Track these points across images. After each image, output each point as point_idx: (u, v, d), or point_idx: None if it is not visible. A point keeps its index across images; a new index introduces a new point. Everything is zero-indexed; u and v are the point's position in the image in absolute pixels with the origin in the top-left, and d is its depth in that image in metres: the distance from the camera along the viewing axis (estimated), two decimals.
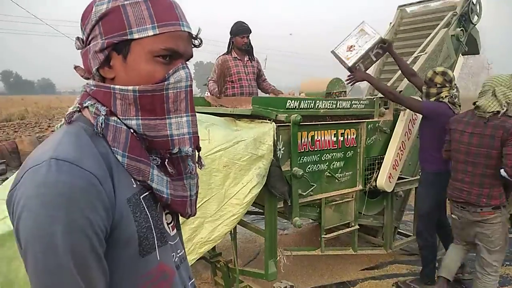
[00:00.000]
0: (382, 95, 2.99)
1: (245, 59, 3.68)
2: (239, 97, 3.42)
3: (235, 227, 2.89)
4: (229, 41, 3.67)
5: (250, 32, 3.62)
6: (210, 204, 2.00)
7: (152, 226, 0.70)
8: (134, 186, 0.69)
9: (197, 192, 0.83)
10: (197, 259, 3.07)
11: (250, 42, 3.65)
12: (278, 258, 2.48)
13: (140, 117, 0.69)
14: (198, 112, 2.66)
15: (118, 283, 0.66)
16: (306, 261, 3.37)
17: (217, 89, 3.31)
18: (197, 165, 0.83)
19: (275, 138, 2.27)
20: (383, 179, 2.93)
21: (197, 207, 1.89)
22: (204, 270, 3.25)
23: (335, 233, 2.86)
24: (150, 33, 0.67)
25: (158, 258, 0.71)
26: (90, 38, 0.70)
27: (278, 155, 2.33)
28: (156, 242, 0.71)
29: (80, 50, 0.73)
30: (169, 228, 0.78)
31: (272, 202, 2.40)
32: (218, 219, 2.00)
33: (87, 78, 0.74)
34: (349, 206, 2.94)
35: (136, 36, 0.67)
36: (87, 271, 0.59)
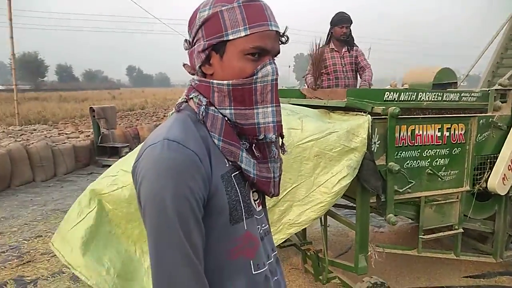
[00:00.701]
0: (498, 87, 2.66)
1: (343, 50, 3.61)
2: (334, 89, 3.39)
3: (326, 218, 2.93)
4: (328, 31, 3.65)
5: (351, 22, 3.53)
6: (299, 189, 2.08)
7: (241, 200, 0.81)
8: (227, 165, 0.81)
9: (280, 174, 0.92)
10: (288, 245, 3.21)
11: (350, 33, 3.56)
12: (369, 253, 2.44)
13: (233, 107, 0.81)
14: (293, 104, 2.76)
15: (213, 244, 0.79)
16: (401, 261, 3.21)
17: (312, 81, 3.33)
18: (280, 150, 0.91)
19: (370, 131, 2.22)
20: (496, 181, 2.62)
21: (287, 191, 1.98)
22: (294, 256, 3.35)
23: (435, 235, 2.67)
24: (242, 34, 0.77)
25: (245, 228, 0.83)
26: (195, 40, 0.82)
27: (372, 149, 2.27)
28: (244, 214, 0.82)
29: (187, 50, 0.86)
30: (255, 204, 0.89)
31: (364, 196, 2.36)
32: (306, 204, 2.07)
33: (192, 74, 0.88)
34: (453, 207, 2.70)
35: (230, 37, 0.77)
36: (188, 229, 0.73)
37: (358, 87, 3.64)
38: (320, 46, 3.71)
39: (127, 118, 12.83)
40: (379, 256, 2.48)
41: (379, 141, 2.33)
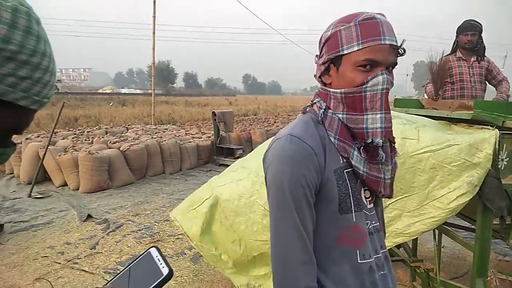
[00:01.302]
0: None
1: (472, 59, 3.34)
2: (456, 100, 3.17)
3: (441, 236, 2.76)
4: (454, 40, 3.42)
5: (478, 30, 3.25)
6: (411, 200, 2.03)
7: (351, 194, 0.94)
8: (341, 162, 0.95)
9: (392, 178, 1.00)
10: (396, 260, 3.10)
11: (478, 41, 3.28)
12: (488, 278, 2.24)
13: (345, 112, 0.95)
14: (411, 114, 2.68)
15: (323, 228, 0.94)
16: None
17: (433, 91, 3.17)
18: (390, 155, 0.98)
19: (497, 147, 2.05)
20: None
21: (396, 199, 1.98)
22: (402, 272, 3.23)
23: None
24: (355, 48, 0.89)
25: (354, 220, 0.94)
26: (321, 55, 0.98)
27: (498, 166, 2.09)
28: (353, 207, 0.94)
29: (316, 64, 1.03)
30: (366, 201, 0.99)
31: (486, 217, 2.17)
32: (417, 216, 2.01)
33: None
34: None
35: (345, 51, 0.91)
36: (301, 210, 0.89)
37: (494, 99, 3.32)
38: (445, 54, 3.50)
39: (241, 123, 13.75)
40: (501, 284, 2.25)
41: (507, 158, 2.14)
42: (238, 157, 7.49)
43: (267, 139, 7.73)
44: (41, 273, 3.35)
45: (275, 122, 13.51)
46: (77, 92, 40.94)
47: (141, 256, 0.56)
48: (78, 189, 6.05)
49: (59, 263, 3.54)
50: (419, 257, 3.08)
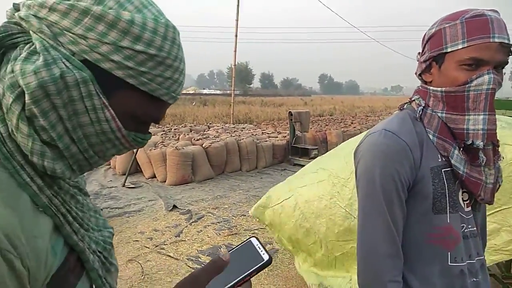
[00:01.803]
0: None
1: None
2: None
3: None
4: None
5: None
6: (510, 213, 1.86)
7: (447, 195, 0.91)
8: (439, 160, 0.93)
9: (495, 182, 0.94)
10: (489, 273, 2.84)
11: None
12: None
13: (444, 111, 0.92)
14: (510, 116, 2.44)
15: (414, 224, 0.93)
16: None
17: None
18: (493, 158, 0.93)
19: None
20: None
21: (494, 211, 1.85)
22: None
23: None
24: (460, 46, 0.86)
25: (448, 221, 0.92)
26: (423, 53, 0.97)
27: None
28: (448, 208, 0.91)
29: (417, 61, 1.02)
30: (463, 203, 0.95)
31: None
32: None
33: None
34: None
35: (449, 49, 0.89)
36: (390, 204, 0.90)
37: None
38: None
39: (317, 123, 13.62)
40: None
41: None
42: (312, 158, 7.47)
43: (343, 140, 7.55)
44: (132, 256, 3.74)
45: (352, 123, 13.13)
46: None
47: (242, 244, 0.62)
48: (165, 181, 6.59)
49: (148, 248, 3.92)
50: None
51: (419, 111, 0.95)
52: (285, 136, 9.06)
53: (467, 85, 0.86)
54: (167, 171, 6.59)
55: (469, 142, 0.89)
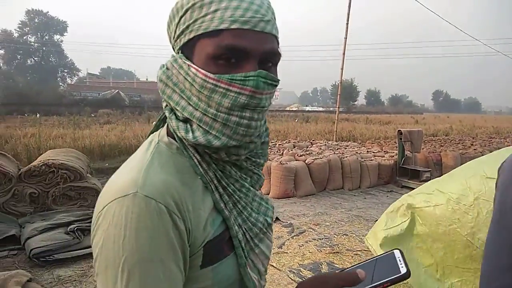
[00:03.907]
0: None
1: None
2: None
3: None
4: None
5: None
6: None
7: None
8: None
9: None
10: None
11: None
12: None
13: None
14: None
15: None
16: None
17: None
18: None
19: None
20: None
21: None
22: None
23: None
24: None
25: None
26: None
27: None
28: None
29: None
30: None
31: None
32: None
33: None
34: None
35: None
36: None
37: None
38: None
39: (430, 143, 12.54)
40: None
41: None
42: (424, 181, 6.92)
43: (461, 163, 6.80)
44: None
45: (472, 144, 11.73)
46: (269, 109, 46.06)
47: (385, 254, 0.64)
48: (268, 193, 6.86)
49: None
50: None
51: None
52: (393, 156, 8.59)
53: None
54: (270, 184, 6.85)
55: None
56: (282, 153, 8.44)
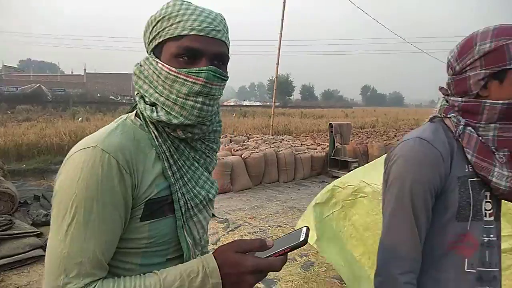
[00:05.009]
0: None
1: None
2: None
3: None
4: None
5: None
6: None
7: (471, 203, 0.94)
8: (466, 170, 0.95)
9: None
10: None
11: None
12: None
13: (498, 122, 0.93)
14: None
15: (438, 231, 0.96)
16: None
17: None
18: None
19: None
20: None
21: None
22: None
23: None
24: None
25: (468, 228, 0.94)
26: (467, 68, 0.96)
27: None
28: (470, 216, 0.94)
29: (450, 76, 1.01)
30: (486, 212, 0.97)
31: None
32: None
33: (447, 95, 1.02)
34: None
35: None
36: (417, 210, 0.94)
37: None
38: None
39: (358, 135, 13.33)
40: None
41: None
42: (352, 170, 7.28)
43: (385, 153, 7.28)
44: None
45: (395, 135, 12.71)
46: None
47: (296, 230, 0.76)
48: None
49: None
50: None
51: (460, 131, 0.96)
52: (325, 148, 8.98)
53: None
54: None
55: None
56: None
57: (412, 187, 0.93)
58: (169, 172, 0.82)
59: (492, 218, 0.98)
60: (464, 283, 0.96)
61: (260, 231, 4.75)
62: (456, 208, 0.94)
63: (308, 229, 0.73)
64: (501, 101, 0.91)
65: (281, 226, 4.96)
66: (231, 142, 9.98)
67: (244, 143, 9.35)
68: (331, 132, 8.39)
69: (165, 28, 0.81)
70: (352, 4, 14.93)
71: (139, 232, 0.78)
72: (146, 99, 0.84)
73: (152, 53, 0.85)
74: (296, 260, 3.88)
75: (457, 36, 0.97)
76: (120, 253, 0.78)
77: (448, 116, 0.99)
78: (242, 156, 7.27)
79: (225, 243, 0.76)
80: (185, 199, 0.84)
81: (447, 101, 1.02)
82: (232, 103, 54.28)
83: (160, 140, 0.83)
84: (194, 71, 0.79)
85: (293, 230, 0.78)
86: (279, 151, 7.93)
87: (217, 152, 0.96)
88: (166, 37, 0.81)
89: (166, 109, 0.81)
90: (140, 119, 0.85)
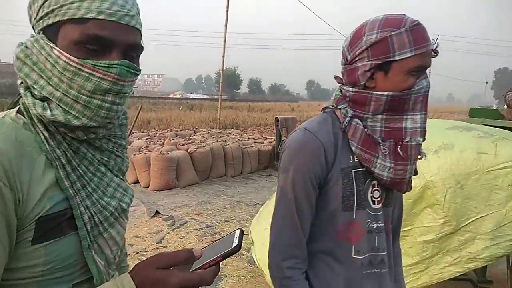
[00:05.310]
0: None
1: None
2: None
3: None
4: None
5: None
6: (486, 221, 1.88)
7: (355, 194, 0.98)
8: (351, 161, 0.99)
9: (411, 174, 1.01)
10: (463, 279, 2.88)
11: None
12: None
13: (385, 114, 0.96)
14: (489, 125, 2.49)
15: (322, 223, 1.01)
16: None
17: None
18: (420, 154, 1.00)
19: None
20: None
21: (470, 221, 1.90)
22: None
23: None
24: (408, 55, 0.90)
25: (354, 217, 0.99)
26: (356, 58, 0.97)
27: None
28: (355, 205, 0.98)
29: (343, 65, 1.02)
30: (372, 201, 1.02)
31: None
32: (493, 239, 1.86)
33: (342, 84, 1.04)
34: None
35: (397, 58, 0.91)
36: (298, 198, 0.97)
37: None
38: None
39: None
40: None
41: None
42: None
43: None
44: None
45: None
46: (150, 96, 43.95)
47: (229, 234, 0.68)
48: (148, 186, 6.50)
49: (129, 254, 3.84)
50: (488, 278, 2.83)
51: (346, 122, 0.98)
52: (271, 142, 9.06)
53: (412, 89, 0.92)
54: (150, 176, 6.50)
55: (407, 139, 0.95)
56: (163, 142, 8.09)
57: (294, 177, 0.96)
58: (65, 183, 0.66)
59: (379, 206, 1.03)
60: (353, 268, 1.01)
61: (207, 227, 4.67)
62: (340, 199, 0.97)
63: (241, 232, 0.66)
64: (385, 93, 0.92)
65: (228, 221, 4.92)
66: (176, 136, 9.70)
67: (191, 138, 9.14)
68: (277, 126, 8.49)
69: (63, 5, 0.64)
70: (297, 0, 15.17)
71: (32, 258, 0.63)
72: (35, 92, 0.67)
73: (42, 32, 0.67)
74: (243, 255, 3.87)
75: None
76: (8, 287, 0.63)
77: (339, 107, 1.01)
78: (188, 150, 7.10)
79: (144, 259, 0.64)
80: (91, 213, 0.69)
81: (341, 91, 1.04)
82: (178, 96, 52.98)
83: (52, 143, 0.66)
84: (103, 65, 0.65)
85: (225, 234, 0.70)
86: (226, 145, 7.86)
87: (126, 148, 0.84)
88: (64, 18, 0.64)
89: (64, 107, 0.65)
90: (24, 116, 0.68)
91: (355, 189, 0.98)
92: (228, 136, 10.03)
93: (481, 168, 1.92)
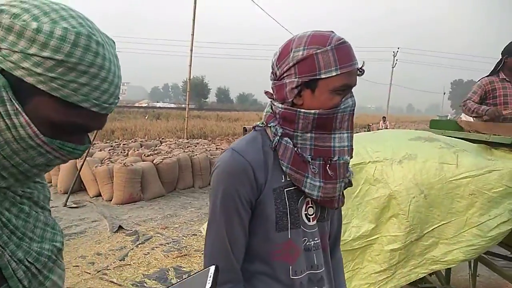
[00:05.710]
0: None
1: None
2: (497, 124, 3.00)
3: (477, 265, 2.61)
4: (500, 60, 3.27)
5: None
6: (448, 228, 1.93)
7: (288, 213, 0.95)
8: (283, 181, 0.96)
9: (344, 188, 1.02)
10: (428, 287, 2.94)
11: None
12: None
13: (314, 132, 0.95)
14: (448, 136, 2.57)
15: (258, 244, 0.97)
16: None
17: (474, 112, 3.03)
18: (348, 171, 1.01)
19: None
20: None
21: (433, 227, 1.92)
22: None
23: None
24: (333, 73, 0.89)
25: (289, 236, 0.96)
26: (284, 75, 0.95)
27: None
28: (289, 225, 0.96)
29: (273, 81, 1.00)
30: (307, 218, 1.00)
31: None
32: (455, 244, 1.91)
33: (273, 99, 1.02)
34: None
35: (323, 76, 0.90)
36: (229, 221, 0.93)
37: None
38: (486, 76, 3.36)
39: None
40: None
41: None
42: None
43: None
44: (71, 283, 3.43)
45: None
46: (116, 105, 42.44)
47: (202, 271, 0.60)
48: (111, 200, 6.23)
49: (89, 273, 3.62)
50: (452, 285, 2.90)
51: (276, 141, 0.96)
52: None
53: (338, 108, 0.92)
54: (113, 189, 6.24)
55: (336, 158, 0.95)
56: (127, 153, 7.83)
57: (223, 199, 0.92)
58: None
59: (314, 222, 1.01)
60: None
61: (173, 242, 4.52)
62: (274, 220, 0.95)
63: (217, 269, 0.59)
64: (313, 111, 0.91)
65: (196, 235, 4.79)
66: (141, 147, 9.43)
67: (156, 148, 8.92)
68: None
69: (55, 78, 0.53)
70: (261, 10, 15.36)
71: None
72: None
73: (3, 76, 0.52)
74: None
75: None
76: None
77: (269, 125, 0.99)
78: (154, 161, 6.90)
79: None
80: (26, 265, 0.61)
81: (271, 107, 1.02)
82: (144, 105, 51.86)
83: None
84: (68, 148, 0.59)
85: (196, 271, 0.61)
86: (193, 156, 7.72)
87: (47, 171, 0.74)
88: (45, 90, 0.53)
89: None
90: None
91: (287, 208, 0.96)
92: (196, 146, 9.87)
93: (443, 177, 1.97)
